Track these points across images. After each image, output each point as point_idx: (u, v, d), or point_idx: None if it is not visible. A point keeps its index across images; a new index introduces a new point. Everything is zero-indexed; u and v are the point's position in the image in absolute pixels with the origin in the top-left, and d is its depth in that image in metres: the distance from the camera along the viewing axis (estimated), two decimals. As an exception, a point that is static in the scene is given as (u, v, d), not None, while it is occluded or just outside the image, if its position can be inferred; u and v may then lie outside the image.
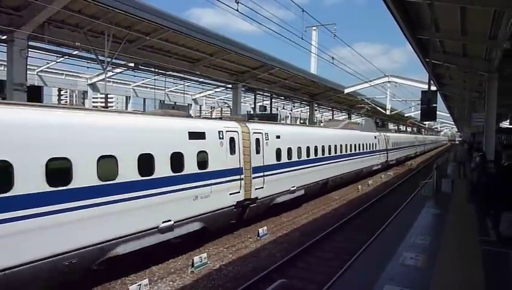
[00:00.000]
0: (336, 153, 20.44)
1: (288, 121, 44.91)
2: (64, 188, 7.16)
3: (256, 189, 12.89)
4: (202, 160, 10.51)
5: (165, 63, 18.41)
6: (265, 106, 30.04)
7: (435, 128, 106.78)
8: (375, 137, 28.80)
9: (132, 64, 18.81)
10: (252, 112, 26.26)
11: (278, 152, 14.42)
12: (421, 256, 7.42)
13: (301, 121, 49.30)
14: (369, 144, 27.17)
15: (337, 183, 21.34)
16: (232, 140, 11.81)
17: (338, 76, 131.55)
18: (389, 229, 10.97)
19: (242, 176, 12.15)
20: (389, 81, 31.58)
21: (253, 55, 19.73)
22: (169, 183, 9.35)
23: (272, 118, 20.14)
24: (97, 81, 24.61)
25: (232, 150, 11.76)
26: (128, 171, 8.34)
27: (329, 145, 19.60)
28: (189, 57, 19.31)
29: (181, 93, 29.39)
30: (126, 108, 30.23)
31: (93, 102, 29.87)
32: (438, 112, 11.30)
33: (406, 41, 13.49)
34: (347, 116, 49.44)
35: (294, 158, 15.71)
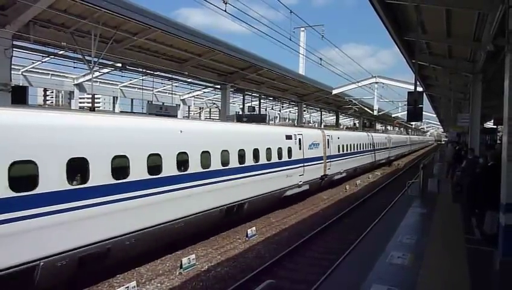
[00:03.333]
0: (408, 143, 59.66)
1: (277, 121, 44.99)
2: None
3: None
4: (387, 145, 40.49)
5: (152, 63, 18.26)
6: (254, 107, 30.02)
7: (422, 128, 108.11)
8: (406, 138, 56.11)
9: (119, 65, 18.62)
10: (240, 113, 26.20)
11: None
12: (408, 255, 7.52)
13: (290, 121, 49.44)
14: (407, 141, 59.21)
15: (411, 151, 62.35)
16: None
17: (326, 77, 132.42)
18: (376, 229, 11.09)
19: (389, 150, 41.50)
20: (376, 82, 31.82)
21: (242, 55, 19.70)
22: (390, 148, 41.38)
23: (260, 119, 20.12)
24: (84, 81, 24.28)
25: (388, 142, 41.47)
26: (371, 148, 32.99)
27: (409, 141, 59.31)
28: (177, 58, 19.19)
29: (169, 93, 29.21)
30: (113, 109, 29.90)
31: (80, 102, 29.43)
32: (424, 113, 11.45)
33: (393, 43, 13.63)
34: (335, 116, 49.77)
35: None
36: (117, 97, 29.96)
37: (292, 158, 16.88)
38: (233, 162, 12.66)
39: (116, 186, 8.50)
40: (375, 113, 36.69)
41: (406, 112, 12.17)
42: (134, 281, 8.29)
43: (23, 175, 6.98)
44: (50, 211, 7.18)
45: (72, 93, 26.27)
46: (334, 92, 31.38)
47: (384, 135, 42.25)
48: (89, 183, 7.94)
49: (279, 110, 42.03)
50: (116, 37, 14.92)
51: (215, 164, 11.76)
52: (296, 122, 40.91)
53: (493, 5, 7.98)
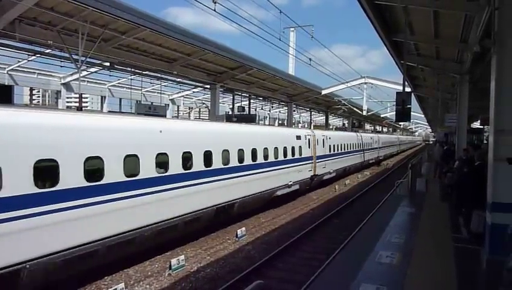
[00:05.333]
0: (406, 142, 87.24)
1: (267, 122, 45.01)
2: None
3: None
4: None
5: (141, 62, 18.10)
6: (244, 107, 29.95)
7: (410, 128, 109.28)
8: (405, 138, 76.40)
9: (107, 64, 18.42)
10: (230, 113, 26.11)
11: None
12: (397, 254, 7.57)
13: (279, 122, 49.57)
14: (405, 140, 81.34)
15: (405, 149, 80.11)
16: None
17: (315, 77, 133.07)
18: (365, 228, 11.13)
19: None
20: (365, 83, 31.98)
21: (231, 55, 19.62)
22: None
23: (250, 119, 20.12)
24: (71, 80, 23.96)
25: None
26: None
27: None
28: (166, 57, 19.04)
29: (158, 93, 29.00)
30: (101, 108, 29.59)
31: (67, 102, 29.03)
32: (412, 113, 11.55)
33: (382, 44, 13.72)
34: (324, 117, 49.95)
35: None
36: (105, 97, 29.63)
37: (373, 147, 39.12)
38: (366, 147, 35.94)
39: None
40: (364, 113, 36.93)
41: (394, 112, 12.25)
42: (123, 283, 8.21)
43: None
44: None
45: (59, 93, 25.89)
46: (324, 92, 31.49)
47: (395, 136, 69.10)
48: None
49: (269, 110, 42.05)
50: (104, 36, 14.75)
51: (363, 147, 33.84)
52: (285, 123, 41.03)
53: (480, 7, 8.09)
